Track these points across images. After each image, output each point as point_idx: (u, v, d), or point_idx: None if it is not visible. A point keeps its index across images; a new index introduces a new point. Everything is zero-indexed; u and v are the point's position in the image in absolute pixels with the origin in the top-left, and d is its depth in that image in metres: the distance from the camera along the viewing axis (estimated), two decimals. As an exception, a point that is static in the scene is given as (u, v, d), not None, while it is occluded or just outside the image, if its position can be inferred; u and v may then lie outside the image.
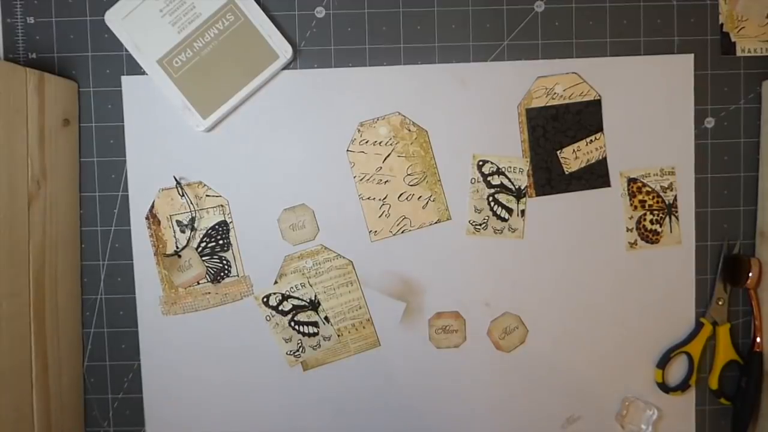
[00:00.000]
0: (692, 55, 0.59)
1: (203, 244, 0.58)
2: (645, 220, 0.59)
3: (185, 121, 0.57)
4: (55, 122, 0.54)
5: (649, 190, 0.59)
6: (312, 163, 0.58)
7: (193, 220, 0.58)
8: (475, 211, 0.59)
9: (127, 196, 0.58)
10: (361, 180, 0.58)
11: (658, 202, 0.59)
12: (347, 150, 0.58)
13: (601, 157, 0.59)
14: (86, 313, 0.59)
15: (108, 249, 0.59)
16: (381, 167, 0.58)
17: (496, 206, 0.59)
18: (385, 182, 0.58)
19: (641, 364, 0.60)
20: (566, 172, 0.59)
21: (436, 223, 0.59)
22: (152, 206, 0.58)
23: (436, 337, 0.60)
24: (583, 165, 0.59)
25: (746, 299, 0.59)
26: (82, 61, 0.58)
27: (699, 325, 0.59)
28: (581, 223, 0.59)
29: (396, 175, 0.58)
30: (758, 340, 0.58)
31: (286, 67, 0.58)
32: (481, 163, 0.59)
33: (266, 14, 0.56)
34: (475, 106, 0.58)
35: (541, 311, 0.59)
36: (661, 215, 0.59)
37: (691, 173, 0.59)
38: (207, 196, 0.58)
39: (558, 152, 0.59)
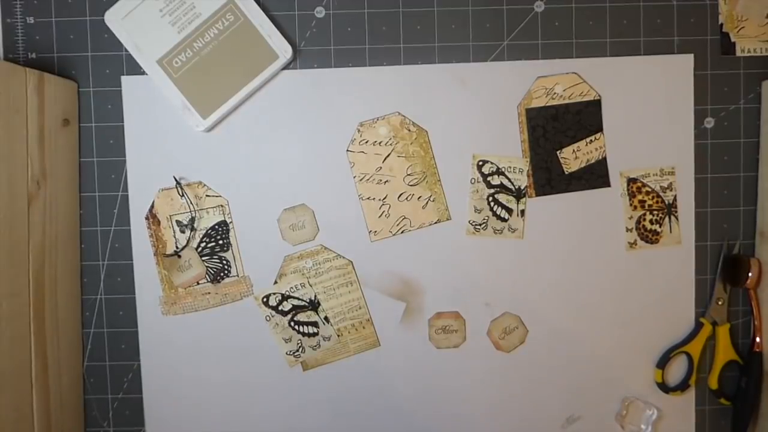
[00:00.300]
0: (692, 55, 0.59)
1: (203, 244, 0.58)
2: (645, 220, 0.59)
3: (185, 121, 0.57)
4: (54, 122, 0.54)
5: (649, 190, 0.59)
6: (312, 163, 0.58)
7: (193, 220, 0.58)
8: (475, 211, 0.59)
9: (127, 196, 0.58)
10: (361, 180, 0.58)
11: (657, 202, 0.59)
12: (347, 150, 0.58)
13: (600, 157, 0.59)
14: (86, 313, 0.59)
15: (108, 249, 0.59)
16: (381, 167, 0.58)
17: (495, 206, 0.59)
18: (385, 182, 0.58)
19: (641, 364, 0.60)
20: (566, 172, 0.59)
21: (436, 223, 0.59)
22: (152, 206, 0.58)
23: (436, 337, 0.60)
24: (583, 165, 0.59)
25: (746, 299, 0.59)
26: (81, 61, 0.58)
27: (699, 325, 0.59)
28: (581, 223, 0.59)
29: (396, 175, 0.58)
30: (758, 340, 0.58)
31: (286, 67, 0.58)
32: (481, 163, 0.59)
33: (266, 14, 0.56)
34: (475, 106, 0.58)
35: (541, 311, 0.59)
36: (660, 215, 0.59)
37: (690, 173, 0.59)
38: (207, 196, 0.58)
39: (558, 152, 0.59)
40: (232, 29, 0.56)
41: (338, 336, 0.59)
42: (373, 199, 0.58)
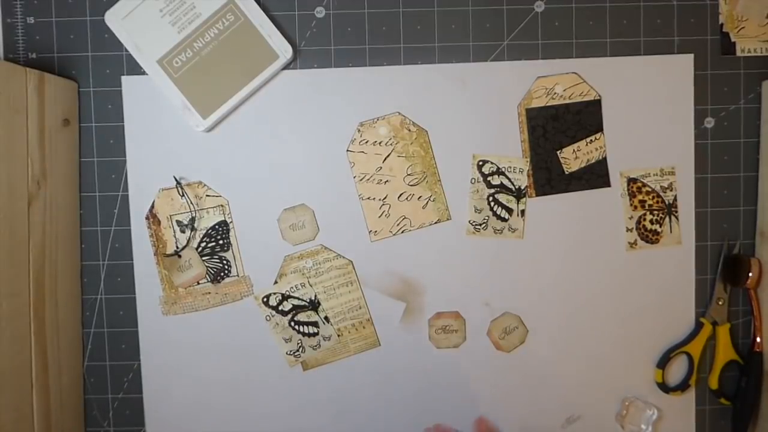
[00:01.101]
0: (692, 55, 0.59)
1: (203, 244, 0.58)
2: (645, 220, 0.59)
3: (185, 121, 0.57)
4: (55, 122, 0.54)
5: (649, 190, 0.59)
6: (312, 163, 0.58)
7: (193, 220, 0.58)
8: (475, 211, 0.59)
9: (127, 196, 0.58)
10: (361, 180, 0.58)
11: (658, 202, 0.59)
12: (347, 150, 0.58)
13: (601, 157, 0.59)
14: (86, 313, 0.59)
15: (108, 249, 0.59)
16: (381, 167, 0.58)
17: (496, 206, 0.59)
18: (385, 182, 0.58)
19: (641, 364, 0.60)
20: (566, 172, 0.59)
21: (436, 223, 0.59)
22: (152, 206, 0.58)
23: (436, 337, 0.60)
24: (583, 165, 0.59)
25: (746, 299, 0.59)
26: (82, 61, 0.58)
27: (699, 325, 0.59)
28: (581, 223, 0.59)
29: (396, 175, 0.58)
30: (758, 340, 0.58)
31: (286, 67, 0.58)
32: (481, 163, 0.59)
33: (266, 14, 0.56)
34: (475, 106, 0.58)
35: (541, 311, 0.59)
36: (661, 215, 0.59)
37: (691, 173, 0.59)
38: (207, 196, 0.58)
39: (558, 152, 0.59)
40: (232, 29, 0.56)
41: (338, 336, 0.59)
42: (373, 199, 0.58)
